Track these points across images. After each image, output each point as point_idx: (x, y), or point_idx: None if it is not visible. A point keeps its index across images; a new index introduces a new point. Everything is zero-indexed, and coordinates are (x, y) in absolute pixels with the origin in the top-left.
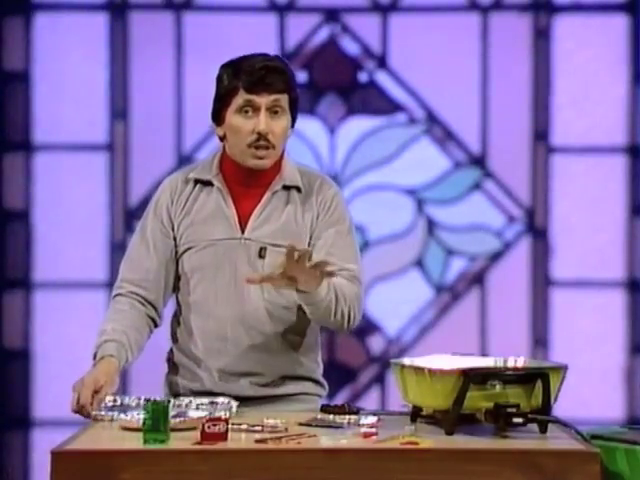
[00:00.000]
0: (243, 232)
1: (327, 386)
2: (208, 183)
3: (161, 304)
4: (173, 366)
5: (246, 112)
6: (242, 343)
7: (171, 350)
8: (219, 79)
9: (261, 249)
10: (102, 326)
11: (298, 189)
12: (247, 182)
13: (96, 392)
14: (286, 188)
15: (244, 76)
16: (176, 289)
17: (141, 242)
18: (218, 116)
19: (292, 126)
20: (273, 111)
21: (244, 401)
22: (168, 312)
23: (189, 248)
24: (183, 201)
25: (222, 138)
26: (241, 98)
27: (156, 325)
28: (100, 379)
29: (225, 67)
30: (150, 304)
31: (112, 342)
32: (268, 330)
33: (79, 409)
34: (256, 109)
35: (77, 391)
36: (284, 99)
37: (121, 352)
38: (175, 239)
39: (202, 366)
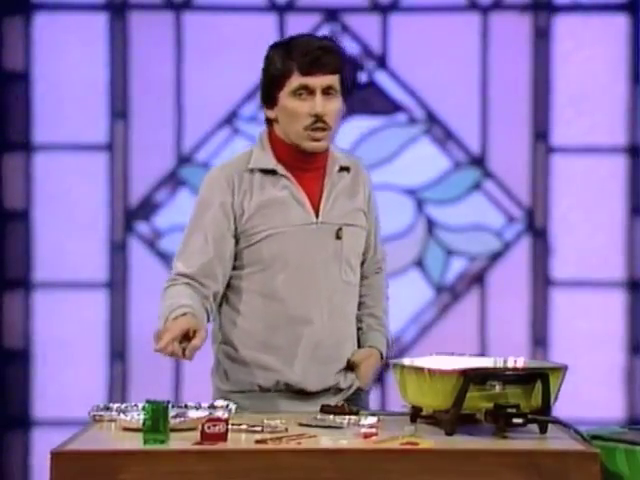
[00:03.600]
0: (317, 216)
1: None
2: (270, 172)
3: (215, 300)
4: (236, 363)
5: (300, 95)
6: (325, 327)
7: (228, 350)
8: (269, 60)
9: (338, 230)
10: (164, 304)
11: (348, 170)
12: (304, 166)
13: (187, 339)
14: (339, 169)
15: (298, 57)
16: (237, 281)
17: (198, 234)
18: (269, 98)
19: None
20: (327, 93)
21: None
22: None
23: (268, 236)
24: (248, 191)
25: (272, 121)
26: (296, 81)
27: (208, 320)
28: (188, 324)
29: (275, 48)
30: (206, 298)
31: (186, 308)
32: (344, 311)
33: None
34: (311, 91)
35: (160, 335)
36: (337, 80)
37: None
38: (236, 232)
39: (281, 354)
